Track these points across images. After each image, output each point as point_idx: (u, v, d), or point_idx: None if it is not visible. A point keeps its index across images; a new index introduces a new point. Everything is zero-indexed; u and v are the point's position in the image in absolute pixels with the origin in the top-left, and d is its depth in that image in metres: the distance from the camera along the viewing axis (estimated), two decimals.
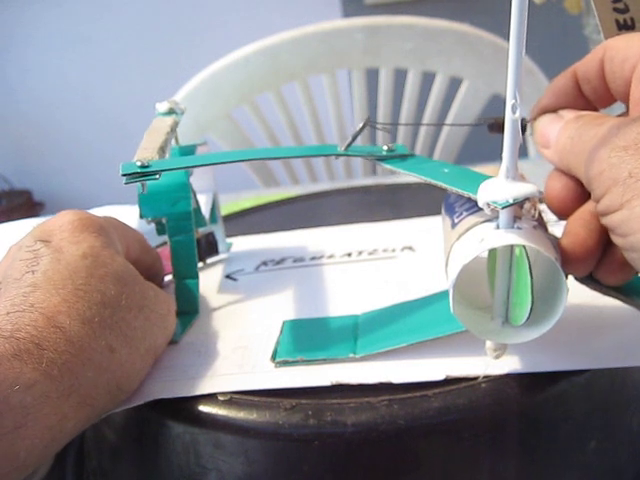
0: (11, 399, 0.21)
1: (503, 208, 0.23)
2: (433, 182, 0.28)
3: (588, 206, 0.26)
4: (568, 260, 0.24)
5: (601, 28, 0.26)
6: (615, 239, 0.23)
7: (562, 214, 0.26)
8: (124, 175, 0.28)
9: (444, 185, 0.27)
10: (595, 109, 0.26)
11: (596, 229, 0.25)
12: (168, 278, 0.37)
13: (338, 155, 0.32)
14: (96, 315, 0.25)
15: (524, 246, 0.23)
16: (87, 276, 0.26)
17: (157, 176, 0.28)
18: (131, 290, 0.27)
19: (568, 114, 0.26)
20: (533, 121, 0.27)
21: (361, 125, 0.31)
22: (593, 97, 0.26)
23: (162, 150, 0.30)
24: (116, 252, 0.29)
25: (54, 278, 0.25)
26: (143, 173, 0.28)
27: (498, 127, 0.28)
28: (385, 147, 0.32)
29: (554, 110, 0.27)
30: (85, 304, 0.25)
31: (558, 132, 0.25)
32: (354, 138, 0.31)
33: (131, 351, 0.26)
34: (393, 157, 0.32)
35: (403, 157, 0.32)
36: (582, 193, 0.25)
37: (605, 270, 0.25)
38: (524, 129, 0.28)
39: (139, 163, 0.28)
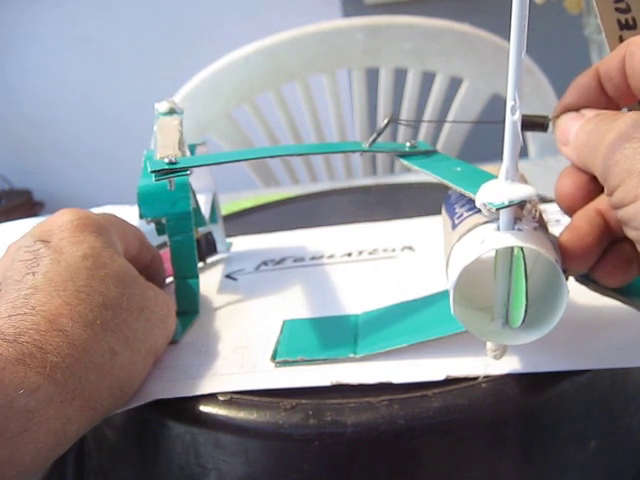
0: (15, 403, 0.21)
1: (497, 209, 0.23)
2: (440, 180, 0.28)
3: (595, 203, 0.25)
4: (565, 255, 0.24)
5: (602, 28, 0.26)
6: (629, 232, 0.23)
7: (571, 212, 0.26)
8: (153, 172, 0.28)
9: (449, 184, 0.27)
10: (618, 108, 0.26)
11: (598, 226, 0.25)
12: (169, 280, 0.36)
13: (363, 152, 0.32)
14: (98, 317, 0.25)
15: (521, 248, 0.23)
16: (88, 277, 0.26)
17: (188, 172, 0.28)
18: (132, 291, 0.27)
19: (589, 112, 0.26)
20: (555, 119, 0.27)
21: (386, 121, 0.31)
22: (615, 94, 0.26)
23: (181, 147, 0.30)
24: (116, 252, 0.29)
25: (55, 280, 0.25)
26: (172, 170, 0.28)
27: (522, 124, 0.28)
28: (408, 143, 0.32)
29: (576, 109, 0.26)
30: (87, 306, 0.25)
31: (577, 129, 0.25)
32: (378, 134, 0.31)
33: (132, 353, 0.26)
34: (416, 153, 0.32)
35: (427, 153, 0.32)
36: (593, 191, 0.25)
37: (603, 271, 0.25)
38: (546, 127, 0.28)
39: (166, 160, 0.28)
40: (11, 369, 0.21)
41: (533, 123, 0.28)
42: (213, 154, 0.32)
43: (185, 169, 0.28)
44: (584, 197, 0.26)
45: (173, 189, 0.31)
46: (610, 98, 0.26)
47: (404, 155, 0.32)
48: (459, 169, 0.29)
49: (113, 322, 0.26)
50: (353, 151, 0.33)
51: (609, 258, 0.25)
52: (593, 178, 0.25)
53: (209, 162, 0.30)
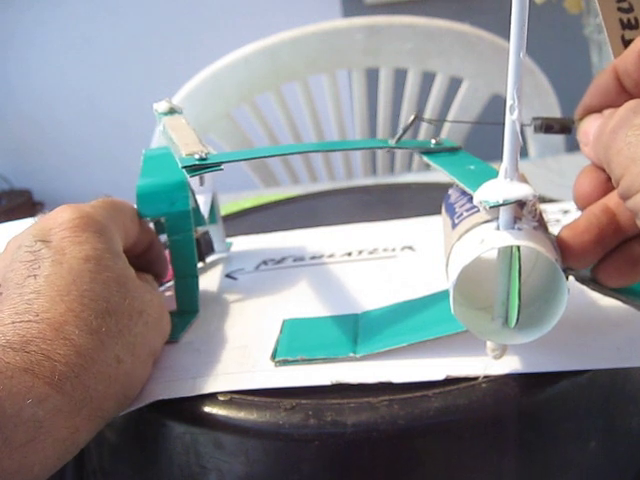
0: (23, 413, 0.21)
1: (492, 207, 0.23)
2: (451, 178, 0.28)
3: (606, 199, 0.25)
4: (562, 251, 0.24)
5: (605, 27, 0.26)
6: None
7: None
8: (185, 167, 0.27)
9: (455, 180, 0.27)
10: None
11: (598, 224, 0.24)
12: (170, 284, 0.36)
13: (390, 148, 0.33)
14: (103, 325, 0.25)
15: (518, 248, 0.23)
16: (91, 281, 0.25)
17: (222, 167, 0.28)
18: (132, 296, 0.27)
19: (609, 112, 0.25)
20: (579, 121, 0.27)
21: (412, 118, 0.32)
22: (635, 91, 0.25)
23: (202, 143, 0.30)
24: (117, 255, 0.28)
25: (57, 283, 0.25)
26: (204, 165, 0.28)
27: (546, 127, 0.28)
28: (433, 140, 0.33)
29: (599, 109, 0.26)
30: (91, 313, 0.25)
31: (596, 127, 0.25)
32: (404, 131, 0.32)
33: (134, 359, 0.26)
34: (441, 150, 0.32)
35: (451, 151, 0.32)
36: (611, 190, 0.25)
37: (604, 272, 0.25)
38: (570, 130, 0.28)
39: (197, 156, 0.28)
40: (19, 378, 0.21)
41: (558, 126, 0.28)
42: (242, 150, 0.32)
43: (217, 164, 0.28)
44: (601, 197, 0.25)
45: (203, 185, 0.30)
46: (631, 96, 0.25)
47: (428, 152, 0.32)
48: (472, 167, 0.29)
49: (117, 329, 0.25)
50: (379, 147, 0.33)
51: (613, 259, 0.25)
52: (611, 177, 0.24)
53: (239, 158, 0.30)
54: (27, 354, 0.22)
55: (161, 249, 0.35)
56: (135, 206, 0.33)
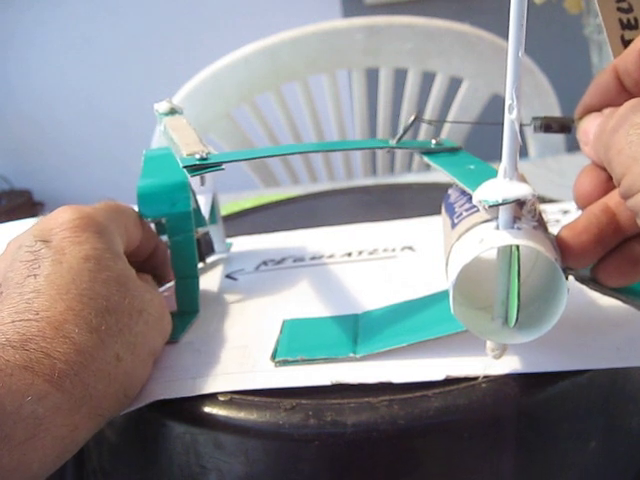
0: (23, 410, 0.21)
1: (491, 207, 0.23)
2: (451, 178, 0.28)
3: (606, 198, 0.25)
4: (562, 251, 0.24)
5: (604, 27, 0.26)
6: None
7: None
8: (186, 167, 0.27)
9: (455, 180, 0.27)
10: None
11: (598, 224, 0.24)
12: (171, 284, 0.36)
13: (391, 148, 0.33)
14: (102, 323, 0.25)
15: (517, 247, 0.23)
16: (90, 280, 0.26)
17: (223, 167, 0.28)
18: (132, 295, 0.27)
19: (609, 111, 0.25)
20: (579, 120, 0.27)
21: (412, 119, 0.32)
22: (635, 90, 0.25)
23: (203, 143, 0.30)
24: (117, 256, 0.28)
25: (57, 282, 0.25)
26: (204, 165, 0.28)
27: (546, 126, 0.28)
28: (433, 141, 0.33)
29: (599, 109, 0.26)
30: (91, 311, 0.25)
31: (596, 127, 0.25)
32: (405, 131, 0.32)
33: (134, 358, 0.26)
34: (441, 150, 0.32)
35: (452, 151, 0.33)
36: (611, 189, 0.25)
37: (604, 271, 0.25)
38: (569, 129, 0.28)
39: (197, 156, 0.28)
40: (18, 375, 0.21)
41: (558, 125, 0.28)
42: (242, 150, 0.32)
43: (218, 164, 0.28)
44: (601, 196, 0.25)
45: (204, 185, 0.30)
46: (631, 95, 0.25)
47: (429, 152, 0.32)
48: (472, 167, 0.29)
49: (117, 327, 0.25)
50: (380, 147, 0.33)
51: (613, 258, 0.25)
52: (611, 176, 0.24)
53: (240, 158, 0.30)
54: (27, 352, 0.22)
55: (166, 254, 0.35)
56: (137, 208, 0.33)
